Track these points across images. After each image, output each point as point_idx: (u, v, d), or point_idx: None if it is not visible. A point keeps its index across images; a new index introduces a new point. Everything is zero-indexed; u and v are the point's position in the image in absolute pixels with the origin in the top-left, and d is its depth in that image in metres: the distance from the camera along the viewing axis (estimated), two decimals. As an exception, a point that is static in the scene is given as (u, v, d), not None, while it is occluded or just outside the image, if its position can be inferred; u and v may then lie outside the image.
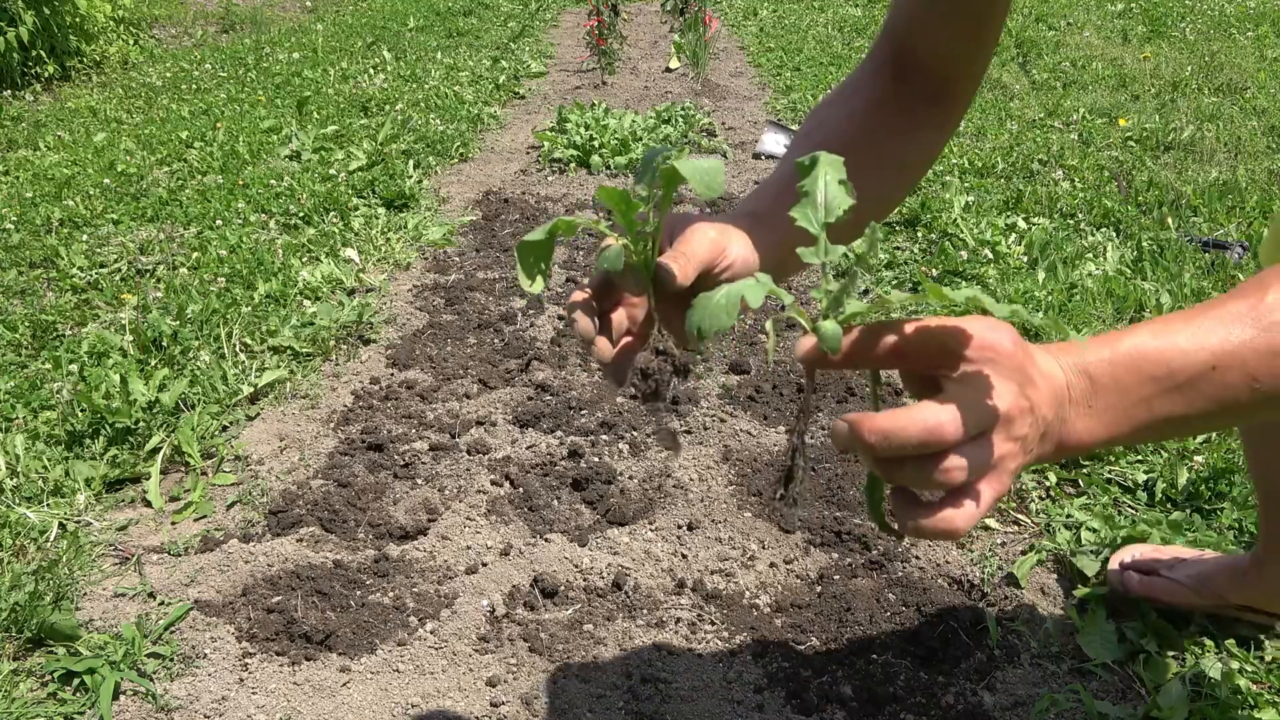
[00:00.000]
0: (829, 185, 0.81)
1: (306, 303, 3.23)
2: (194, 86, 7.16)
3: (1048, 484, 2.21)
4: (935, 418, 0.67)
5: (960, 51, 1.05)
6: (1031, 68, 6.68)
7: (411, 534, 2.13)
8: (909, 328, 0.72)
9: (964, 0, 1.02)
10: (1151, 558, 1.75)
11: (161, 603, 1.91)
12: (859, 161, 0.89)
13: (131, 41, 8.84)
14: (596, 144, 5.00)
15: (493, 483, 2.31)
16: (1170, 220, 3.64)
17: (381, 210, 4.24)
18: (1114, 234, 3.59)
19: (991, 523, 2.08)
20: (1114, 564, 1.79)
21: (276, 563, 2.03)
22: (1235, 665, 1.58)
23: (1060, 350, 0.75)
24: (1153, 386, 0.74)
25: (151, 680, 1.71)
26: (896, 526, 0.74)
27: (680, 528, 2.13)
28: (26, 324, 3.12)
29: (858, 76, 1.09)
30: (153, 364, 2.79)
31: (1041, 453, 0.75)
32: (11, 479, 2.27)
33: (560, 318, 3.21)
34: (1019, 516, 2.10)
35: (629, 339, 0.90)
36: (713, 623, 1.84)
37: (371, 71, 7.36)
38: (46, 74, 7.42)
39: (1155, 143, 4.73)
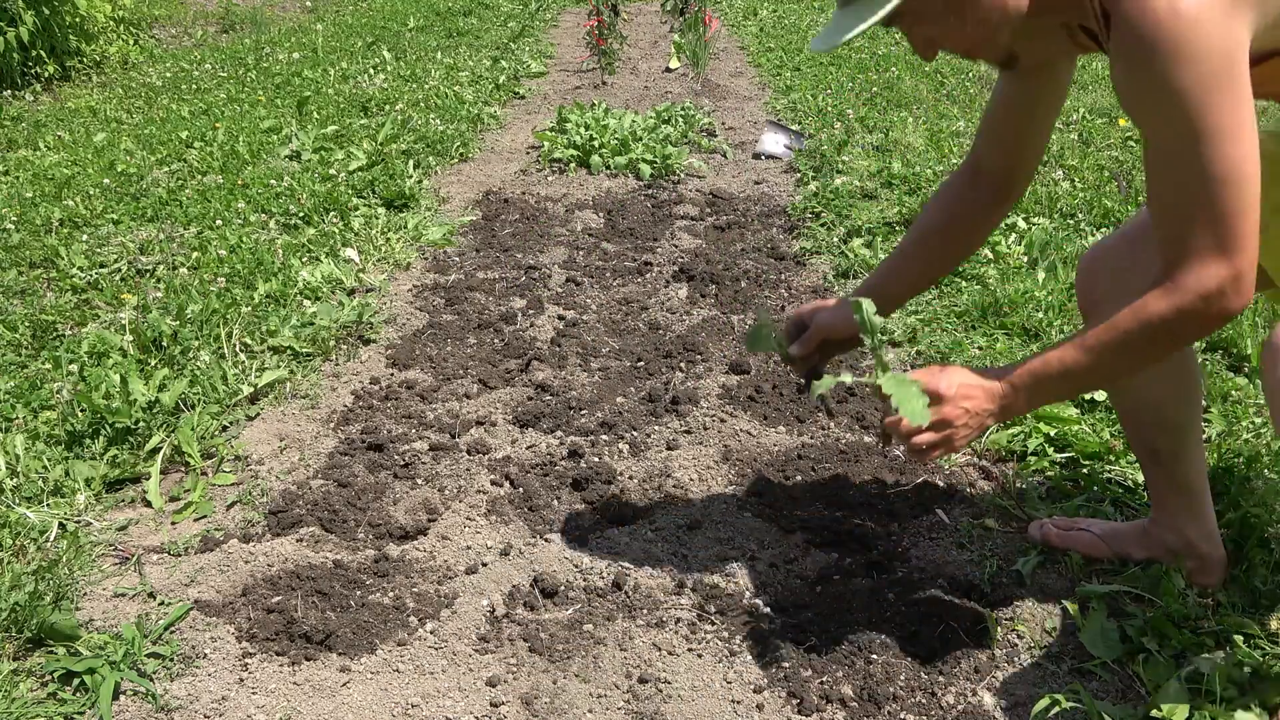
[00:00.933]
0: (872, 319, 1.51)
1: (306, 303, 3.23)
2: (194, 86, 7.16)
3: (1049, 483, 2.21)
4: (901, 422, 1.47)
5: (1010, 173, 1.78)
6: (1031, 68, 6.68)
7: (411, 534, 2.13)
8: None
9: (1006, 136, 1.75)
10: (1070, 519, 2.03)
11: (161, 603, 1.91)
12: (947, 233, 1.82)
13: (131, 41, 8.84)
14: (596, 144, 5.00)
15: (493, 483, 2.31)
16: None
17: (381, 210, 4.24)
18: (1114, 234, 3.59)
19: (990, 522, 2.08)
20: (1033, 525, 2.04)
21: (276, 563, 2.03)
22: (1235, 664, 1.58)
23: (1001, 371, 1.50)
24: (1046, 382, 1.48)
25: (151, 680, 1.71)
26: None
27: (680, 528, 2.13)
28: (26, 324, 3.12)
29: (951, 181, 1.83)
30: (153, 364, 2.79)
31: (996, 420, 1.51)
32: (11, 479, 2.27)
33: (560, 318, 3.21)
34: (1019, 516, 2.10)
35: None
36: (713, 623, 1.84)
37: (371, 71, 7.36)
38: (46, 74, 7.42)
39: (1155, 143, 4.72)
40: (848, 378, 1.54)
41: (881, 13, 1.36)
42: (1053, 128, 1.78)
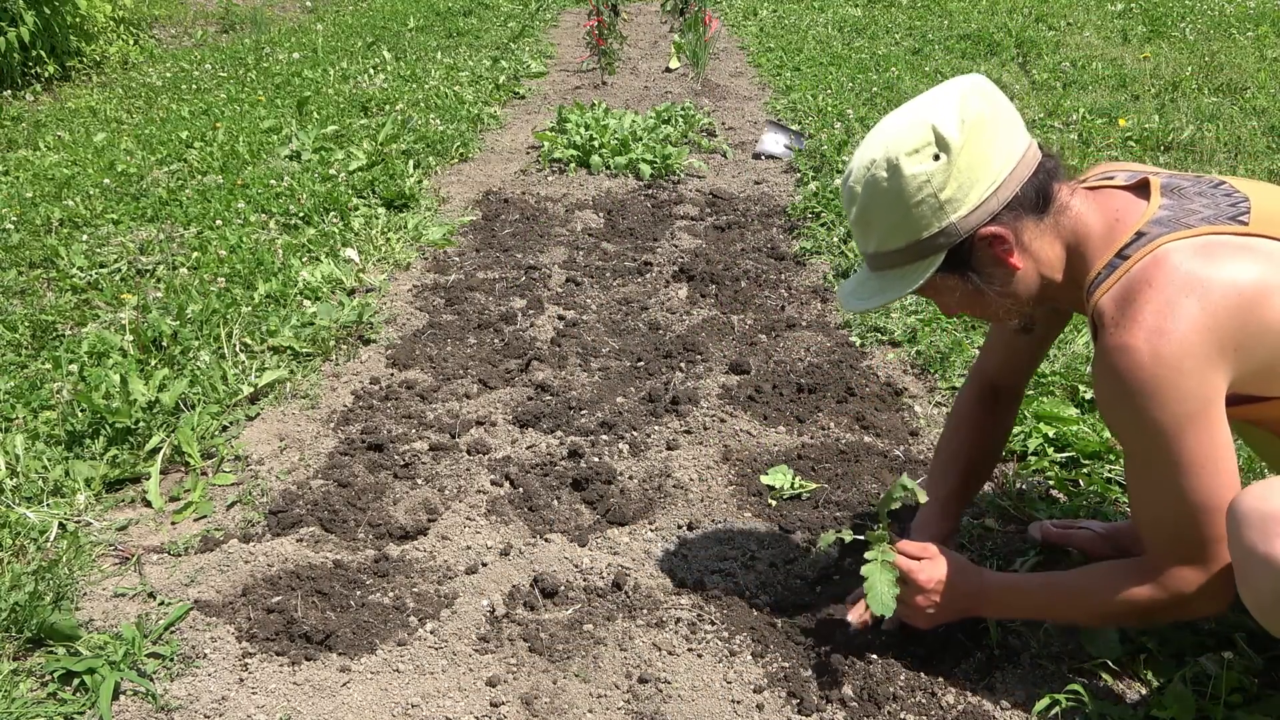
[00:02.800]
0: (887, 507, 1.65)
1: (306, 303, 3.23)
2: (194, 86, 7.16)
3: (1049, 483, 2.21)
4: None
5: (1015, 380, 1.90)
6: (1031, 68, 6.68)
7: (411, 534, 2.13)
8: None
9: (1013, 358, 1.86)
10: (1070, 519, 2.07)
11: (161, 603, 1.91)
12: (972, 441, 1.90)
13: (131, 41, 8.84)
14: (596, 144, 5.00)
15: (493, 483, 2.31)
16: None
17: (381, 210, 4.24)
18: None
19: (990, 522, 2.08)
20: (1033, 525, 2.04)
21: (276, 563, 2.03)
22: (1237, 664, 1.58)
23: (981, 573, 1.64)
24: (1018, 604, 1.65)
25: (151, 680, 1.71)
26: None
27: (680, 528, 2.13)
28: (26, 324, 3.12)
29: (963, 398, 1.93)
30: (153, 364, 2.79)
31: (958, 613, 1.65)
32: (11, 479, 2.27)
33: (560, 318, 3.21)
34: (1019, 516, 2.09)
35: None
36: (713, 623, 1.84)
37: (371, 71, 7.36)
38: (47, 74, 7.42)
39: (1155, 143, 4.73)
40: (847, 535, 1.69)
41: (907, 290, 1.50)
42: (1042, 361, 1.96)
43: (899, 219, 1.45)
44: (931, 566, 1.62)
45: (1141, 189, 1.50)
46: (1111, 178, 1.56)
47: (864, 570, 1.59)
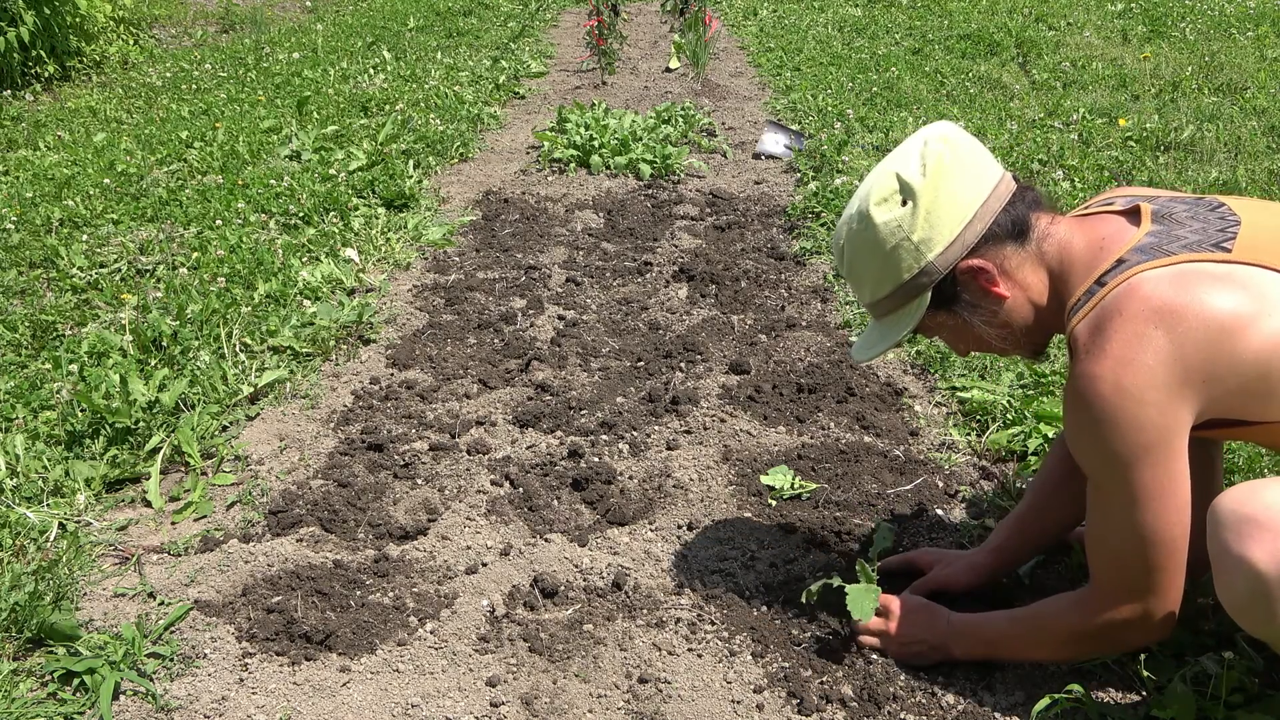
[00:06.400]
0: (871, 570, 1.73)
1: (306, 303, 3.23)
2: (194, 86, 7.16)
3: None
4: (864, 629, 1.75)
5: None
6: (1031, 68, 6.68)
7: (411, 534, 2.13)
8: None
9: None
10: None
11: (161, 603, 1.91)
12: (1057, 490, 1.81)
13: (131, 41, 8.84)
14: (596, 144, 5.00)
15: (493, 483, 2.31)
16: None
17: (381, 210, 4.24)
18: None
19: (991, 522, 2.08)
20: None
21: (276, 563, 2.03)
22: (1237, 664, 1.58)
23: (951, 614, 1.69)
24: (978, 639, 1.66)
25: (151, 680, 1.71)
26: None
27: (680, 528, 2.13)
28: (26, 324, 3.12)
29: (1056, 445, 1.86)
30: (153, 364, 2.79)
31: (934, 654, 1.69)
32: (11, 479, 2.27)
33: (560, 318, 3.21)
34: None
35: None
36: (713, 623, 1.84)
37: (371, 71, 7.36)
38: (46, 74, 7.42)
39: (1155, 143, 4.73)
40: (836, 580, 1.74)
41: (904, 332, 1.57)
42: None
43: (881, 265, 1.54)
44: (907, 601, 1.74)
45: (1135, 214, 1.52)
46: (1111, 203, 1.58)
47: (849, 588, 1.68)
